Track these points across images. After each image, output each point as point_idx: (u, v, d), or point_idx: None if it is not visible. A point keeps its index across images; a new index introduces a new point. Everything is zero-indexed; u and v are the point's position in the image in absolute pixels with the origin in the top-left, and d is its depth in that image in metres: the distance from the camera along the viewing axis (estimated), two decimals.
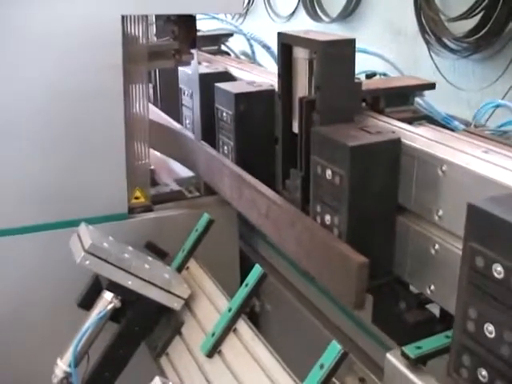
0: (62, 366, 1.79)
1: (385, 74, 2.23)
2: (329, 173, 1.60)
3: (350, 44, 1.75)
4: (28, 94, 2.01)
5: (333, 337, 1.94)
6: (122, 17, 2.03)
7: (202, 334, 1.78)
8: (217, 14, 3.16)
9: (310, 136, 1.71)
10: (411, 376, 1.33)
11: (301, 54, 1.84)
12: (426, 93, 2.00)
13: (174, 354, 1.84)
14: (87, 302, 1.86)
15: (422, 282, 1.58)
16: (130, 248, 1.93)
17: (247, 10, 7.37)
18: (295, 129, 1.90)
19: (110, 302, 1.80)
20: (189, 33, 2.30)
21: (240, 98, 2.14)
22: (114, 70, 2.05)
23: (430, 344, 1.37)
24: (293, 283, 2.29)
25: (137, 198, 2.24)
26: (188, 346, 1.81)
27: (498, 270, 1.05)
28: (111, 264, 1.76)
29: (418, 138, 1.66)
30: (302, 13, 6.52)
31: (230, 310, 1.70)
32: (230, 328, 1.69)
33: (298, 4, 6.56)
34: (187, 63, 2.38)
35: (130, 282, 1.78)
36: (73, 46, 2.01)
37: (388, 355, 1.39)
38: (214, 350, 1.69)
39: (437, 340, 1.38)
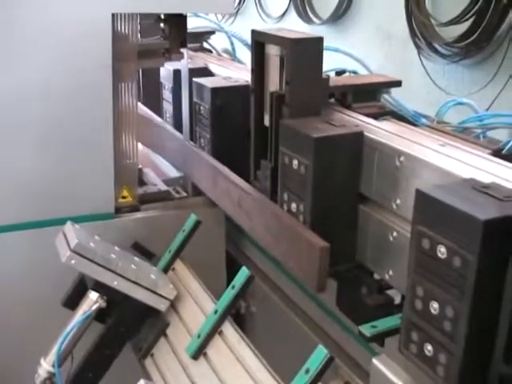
0: (45, 366, 1.78)
1: (354, 72, 2.26)
2: (295, 163, 1.66)
3: (318, 42, 1.81)
4: (16, 91, 1.98)
5: (319, 340, 1.94)
6: (113, 15, 2.01)
7: (187, 336, 1.77)
8: (207, 13, 3.15)
9: (279, 128, 1.76)
10: (397, 381, 1.33)
11: (273, 51, 1.89)
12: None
13: (159, 355, 1.83)
14: (72, 301, 1.85)
15: (382, 268, 1.63)
16: (117, 248, 1.92)
17: (238, 9, 7.36)
18: (267, 122, 1.93)
19: (96, 302, 1.79)
20: (179, 32, 2.29)
21: (216, 92, 2.20)
22: (104, 68, 2.03)
23: (385, 323, 1.45)
24: (279, 285, 2.29)
25: (124, 197, 2.23)
26: (173, 347, 1.80)
27: (441, 251, 1.12)
28: (97, 264, 1.75)
29: (380, 131, 1.70)
30: (292, 14, 6.52)
31: (216, 312, 1.69)
32: (215, 330, 1.68)
33: (289, 5, 6.56)
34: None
35: (115, 283, 1.77)
36: (62, 44, 1.99)
37: (374, 360, 1.40)
38: (199, 352, 1.69)
39: (392, 320, 1.46)
